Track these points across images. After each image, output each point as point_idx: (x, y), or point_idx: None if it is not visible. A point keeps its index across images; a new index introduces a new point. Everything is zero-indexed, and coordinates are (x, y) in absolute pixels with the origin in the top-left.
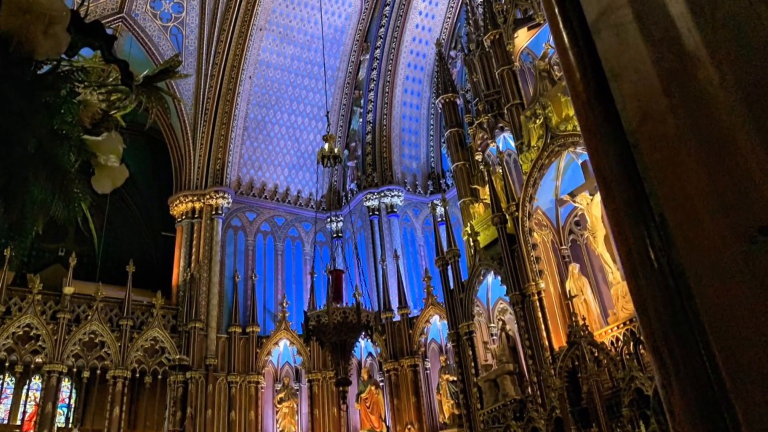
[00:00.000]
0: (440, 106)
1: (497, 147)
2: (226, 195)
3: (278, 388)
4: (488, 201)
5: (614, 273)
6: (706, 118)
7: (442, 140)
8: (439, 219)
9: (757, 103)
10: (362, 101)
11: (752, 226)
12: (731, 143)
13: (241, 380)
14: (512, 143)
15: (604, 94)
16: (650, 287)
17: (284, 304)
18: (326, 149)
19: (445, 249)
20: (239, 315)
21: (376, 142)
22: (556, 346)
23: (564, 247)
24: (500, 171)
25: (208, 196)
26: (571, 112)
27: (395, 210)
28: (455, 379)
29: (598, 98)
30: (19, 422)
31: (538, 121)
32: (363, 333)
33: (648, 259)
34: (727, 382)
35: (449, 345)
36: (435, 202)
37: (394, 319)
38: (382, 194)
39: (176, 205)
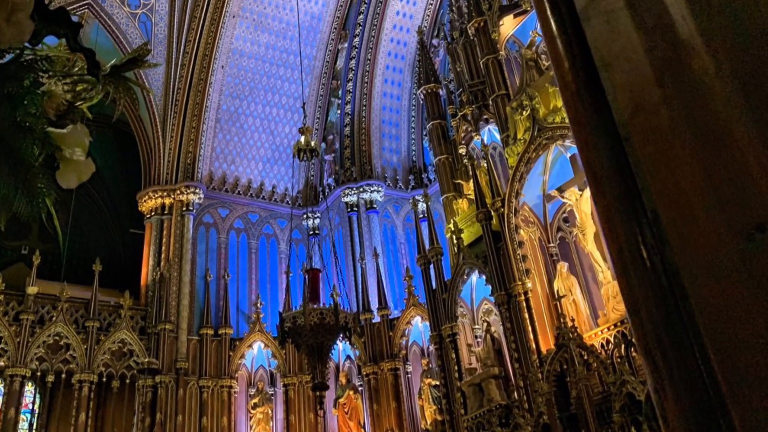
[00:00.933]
0: (422, 96)
1: (482, 140)
2: (197, 190)
3: (252, 393)
4: (472, 197)
5: (605, 272)
6: (701, 109)
7: (424, 133)
8: (421, 215)
9: (755, 93)
10: (340, 92)
11: (749, 222)
12: (727, 136)
13: (213, 384)
14: (497, 136)
15: (594, 84)
16: (642, 287)
17: (258, 305)
18: (302, 142)
19: (427, 247)
20: (211, 316)
21: (354, 135)
22: (543, 349)
23: (552, 245)
24: (485, 165)
25: (178, 192)
26: (560, 103)
27: (375, 206)
28: (438, 383)
29: (587, 89)
30: None
31: (524, 112)
32: (341, 335)
33: (640, 258)
34: (723, 386)
35: (431, 348)
36: (417, 197)
37: (373, 321)
38: (361, 189)
39: (145, 201)
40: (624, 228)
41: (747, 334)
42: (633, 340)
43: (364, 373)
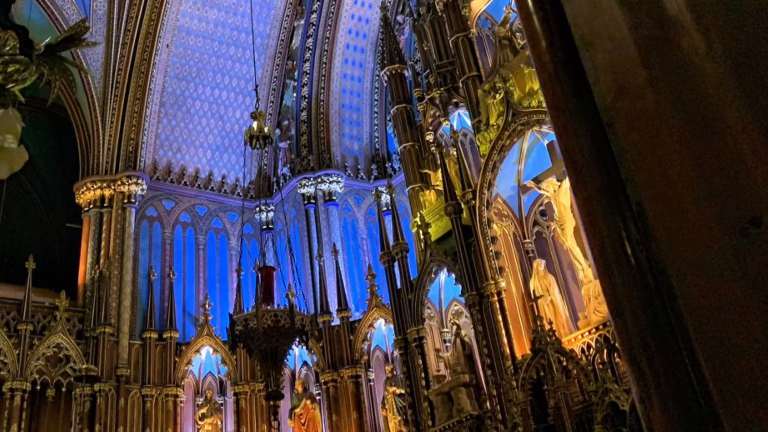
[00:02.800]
0: (386, 78)
1: (451, 126)
2: (140, 181)
3: (200, 403)
4: (441, 188)
5: (585, 270)
6: (691, 92)
7: (388, 118)
8: (385, 208)
9: (749, 75)
10: (296, 73)
11: (743, 216)
12: (719, 121)
13: (157, 393)
14: (468, 121)
15: (574, 65)
16: (626, 286)
17: (207, 306)
18: (255, 128)
19: (391, 243)
20: (155, 318)
21: (312, 121)
22: (518, 355)
23: (528, 240)
24: (454, 153)
25: (119, 182)
26: (536, 85)
27: (334, 198)
28: (403, 392)
29: (566, 70)
30: None
31: (497, 95)
32: (297, 339)
33: (624, 255)
34: (714, 395)
35: (396, 353)
36: (380, 188)
37: (332, 323)
38: (319, 180)
39: (83, 193)
40: (606, 222)
41: (741, 338)
42: (616, 344)
43: (323, 380)
